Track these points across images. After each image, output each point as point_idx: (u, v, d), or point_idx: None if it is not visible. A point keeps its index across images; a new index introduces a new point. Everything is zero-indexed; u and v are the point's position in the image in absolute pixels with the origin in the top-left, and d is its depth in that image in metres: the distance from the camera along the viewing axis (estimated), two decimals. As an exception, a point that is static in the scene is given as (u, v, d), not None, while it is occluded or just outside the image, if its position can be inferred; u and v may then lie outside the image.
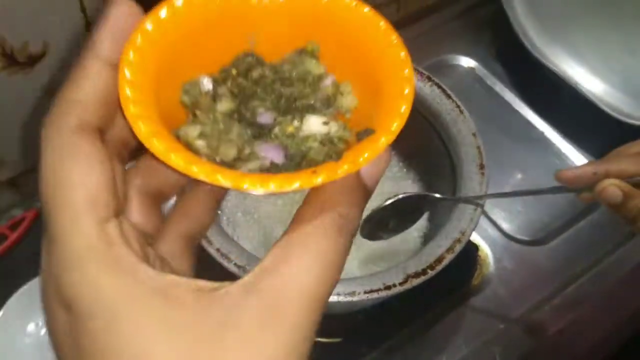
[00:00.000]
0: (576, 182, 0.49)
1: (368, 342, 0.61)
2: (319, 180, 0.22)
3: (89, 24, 0.65)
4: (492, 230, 0.69)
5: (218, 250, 0.48)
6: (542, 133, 0.78)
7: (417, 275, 0.48)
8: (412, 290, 0.59)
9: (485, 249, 0.68)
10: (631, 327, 0.68)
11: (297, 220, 0.23)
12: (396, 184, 0.65)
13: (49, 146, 0.21)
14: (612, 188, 0.45)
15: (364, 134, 0.24)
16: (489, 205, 0.71)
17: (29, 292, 0.70)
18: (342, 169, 0.22)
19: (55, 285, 0.21)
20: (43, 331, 0.69)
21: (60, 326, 0.22)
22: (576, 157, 0.76)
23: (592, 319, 0.65)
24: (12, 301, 0.69)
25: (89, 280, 0.21)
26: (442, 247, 0.49)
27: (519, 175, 0.74)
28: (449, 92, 0.59)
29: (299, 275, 0.21)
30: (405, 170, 0.66)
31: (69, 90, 0.22)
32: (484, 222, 0.70)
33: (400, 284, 0.47)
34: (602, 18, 0.79)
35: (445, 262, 0.49)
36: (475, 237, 0.68)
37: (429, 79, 0.60)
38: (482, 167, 0.54)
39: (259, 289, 0.21)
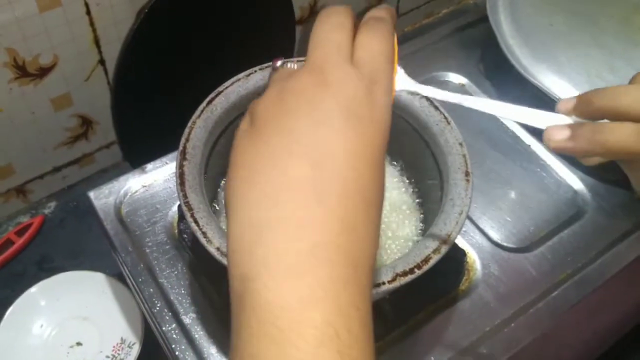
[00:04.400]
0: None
1: (360, 342, 0.63)
2: None
3: (97, 38, 0.68)
4: (480, 238, 0.72)
5: (218, 249, 0.49)
6: (528, 146, 0.81)
7: (404, 274, 0.50)
8: (403, 293, 0.61)
9: (473, 255, 0.70)
10: (613, 332, 0.70)
11: None
12: (393, 190, 0.68)
13: None
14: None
15: None
16: (478, 213, 0.74)
17: (34, 295, 0.73)
18: None
19: None
20: (47, 332, 0.71)
21: None
22: (560, 169, 0.79)
23: (574, 324, 0.68)
24: (19, 303, 0.72)
25: None
26: (429, 248, 0.52)
27: (506, 186, 0.77)
28: (436, 104, 0.62)
29: None
30: (399, 176, 0.69)
31: None
32: (472, 230, 0.73)
33: (389, 282, 0.50)
34: (584, 38, 0.83)
35: (432, 262, 0.51)
36: (463, 244, 0.71)
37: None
38: (467, 174, 0.57)
39: None
